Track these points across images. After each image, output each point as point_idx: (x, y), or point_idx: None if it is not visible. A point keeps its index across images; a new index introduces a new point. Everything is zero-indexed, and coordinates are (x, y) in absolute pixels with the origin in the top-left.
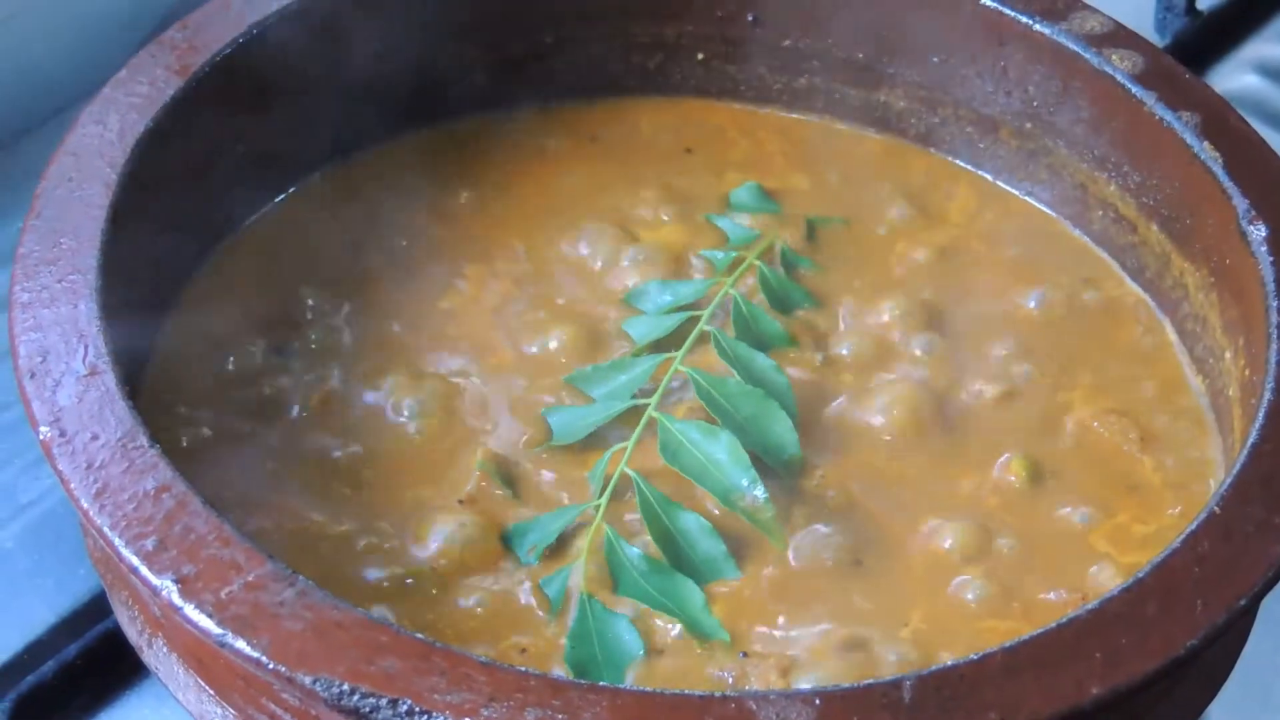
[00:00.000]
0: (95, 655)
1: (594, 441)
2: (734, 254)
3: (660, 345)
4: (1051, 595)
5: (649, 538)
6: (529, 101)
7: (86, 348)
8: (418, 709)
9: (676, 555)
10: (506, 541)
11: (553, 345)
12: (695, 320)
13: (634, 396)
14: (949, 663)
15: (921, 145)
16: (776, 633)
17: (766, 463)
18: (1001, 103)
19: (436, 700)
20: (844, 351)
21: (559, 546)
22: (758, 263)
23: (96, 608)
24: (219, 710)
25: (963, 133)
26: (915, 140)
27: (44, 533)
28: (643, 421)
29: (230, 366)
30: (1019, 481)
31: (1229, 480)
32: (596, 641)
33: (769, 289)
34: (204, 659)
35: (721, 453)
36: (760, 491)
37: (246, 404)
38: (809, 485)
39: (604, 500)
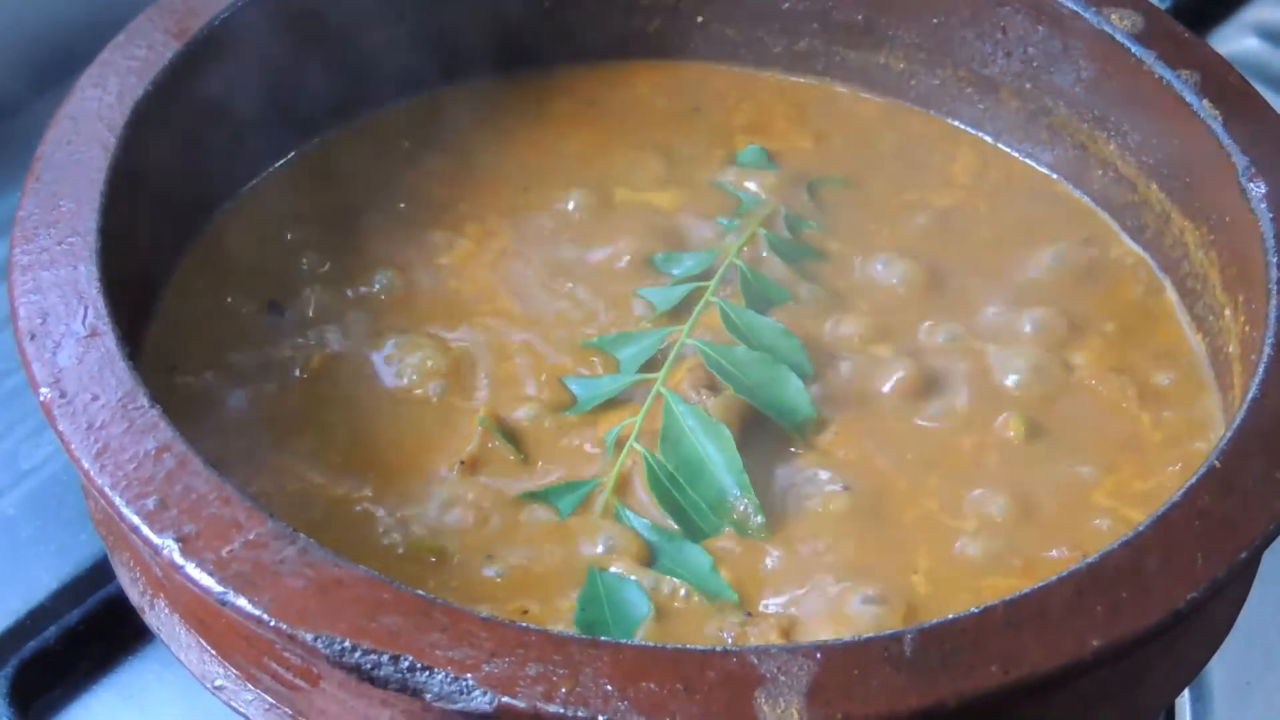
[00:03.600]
0: (97, 621)
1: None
2: (737, 221)
3: (673, 314)
4: (1053, 552)
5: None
6: (528, 66)
7: (86, 309)
8: (419, 665)
9: (687, 524)
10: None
11: (550, 305)
12: (705, 289)
13: (647, 364)
14: (950, 616)
15: (922, 107)
16: (778, 592)
17: (781, 425)
18: (1001, 63)
19: (438, 656)
20: (850, 313)
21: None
22: (762, 230)
23: (98, 573)
24: (221, 670)
25: (963, 94)
26: (915, 102)
27: (46, 499)
28: (651, 393)
29: (230, 328)
30: (1018, 439)
31: (1229, 435)
32: (606, 604)
33: (779, 251)
34: (206, 618)
35: (717, 454)
36: (751, 499)
37: (246, 365)
38: (821, 442)
39: (614, 475)
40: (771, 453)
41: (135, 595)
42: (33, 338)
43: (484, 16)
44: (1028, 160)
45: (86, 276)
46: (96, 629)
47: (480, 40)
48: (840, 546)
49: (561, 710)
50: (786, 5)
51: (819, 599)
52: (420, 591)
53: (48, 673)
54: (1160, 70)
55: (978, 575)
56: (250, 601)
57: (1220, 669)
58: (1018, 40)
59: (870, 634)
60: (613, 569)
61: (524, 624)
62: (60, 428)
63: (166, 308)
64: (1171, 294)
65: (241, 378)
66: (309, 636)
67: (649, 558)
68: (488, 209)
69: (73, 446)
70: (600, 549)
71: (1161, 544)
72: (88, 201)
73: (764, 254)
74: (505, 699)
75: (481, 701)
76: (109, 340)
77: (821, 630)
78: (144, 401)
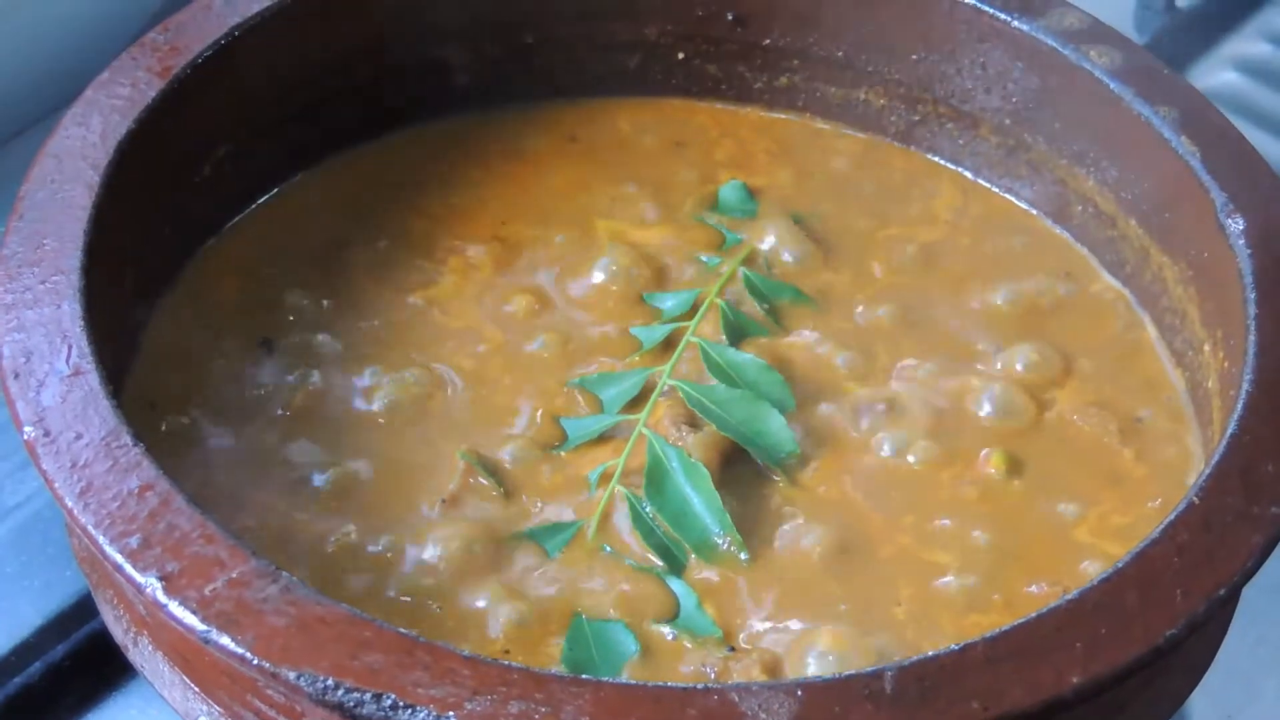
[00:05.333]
0: (82, 657)
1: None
2: (719, 258)
3: (658, 351)
4: (1034, 588)
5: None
6: (509, 102)
7: (70, 348)
8: (401, 703)
9: (672, 561)
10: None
11: (532, 341)
12: (686, 328)
13: (630, 403)
14: (930, 653)
15: (902, 143)
16: (761, 628)
17: (766, 462)
18: (981, 100)
19: (420, 694)
20: (831, 349)
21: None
22: (742, 269)
23: (83, 609)
24: (205, 708)
25: (942, 130)
26: (895, 138)
27: (30, 535)
28: (634, 433)
29: (213, 365)
30: (999, 475)
31: (1208, 471)
32: (593, 644)
33: (756, 293)
34: (189, 656)
35: (697, 496)
36: (734, 538)
37: (230, 402)
38: (803, 478)
39: (597, 515)
40: (754, 487)
41: (119, 633)
42: (16, 376)
43: (465, 52)
44: (1007, 196)
45: (70, 315)
46: (80, 666)
47: (461, 76)
48: (823, 581)
49: None
50: (767, 41)
51: (802, 634)
52: (403, 630)
53: (32, 709)
54: (1139, 106)
55: (958, 611)
56: (233, 640)
57: (1201, 704)
58: (997, 76)
59: (851, 671)
60: (598, 608)
61: (506, 662)
62: (44, 466)
63: (150, 346)
64: (1151, 329)
65: (225, 415)
66: (292, 674)
67: (635, 597)
68: (470, 244)
69: (56, 485)
70: (585, 587)
71: (1141, 580)
72: (71, 240)
73: (745, 291)
74: None
75: None
76: (92, 379)
77: (804, 665)
78: (127, 440)
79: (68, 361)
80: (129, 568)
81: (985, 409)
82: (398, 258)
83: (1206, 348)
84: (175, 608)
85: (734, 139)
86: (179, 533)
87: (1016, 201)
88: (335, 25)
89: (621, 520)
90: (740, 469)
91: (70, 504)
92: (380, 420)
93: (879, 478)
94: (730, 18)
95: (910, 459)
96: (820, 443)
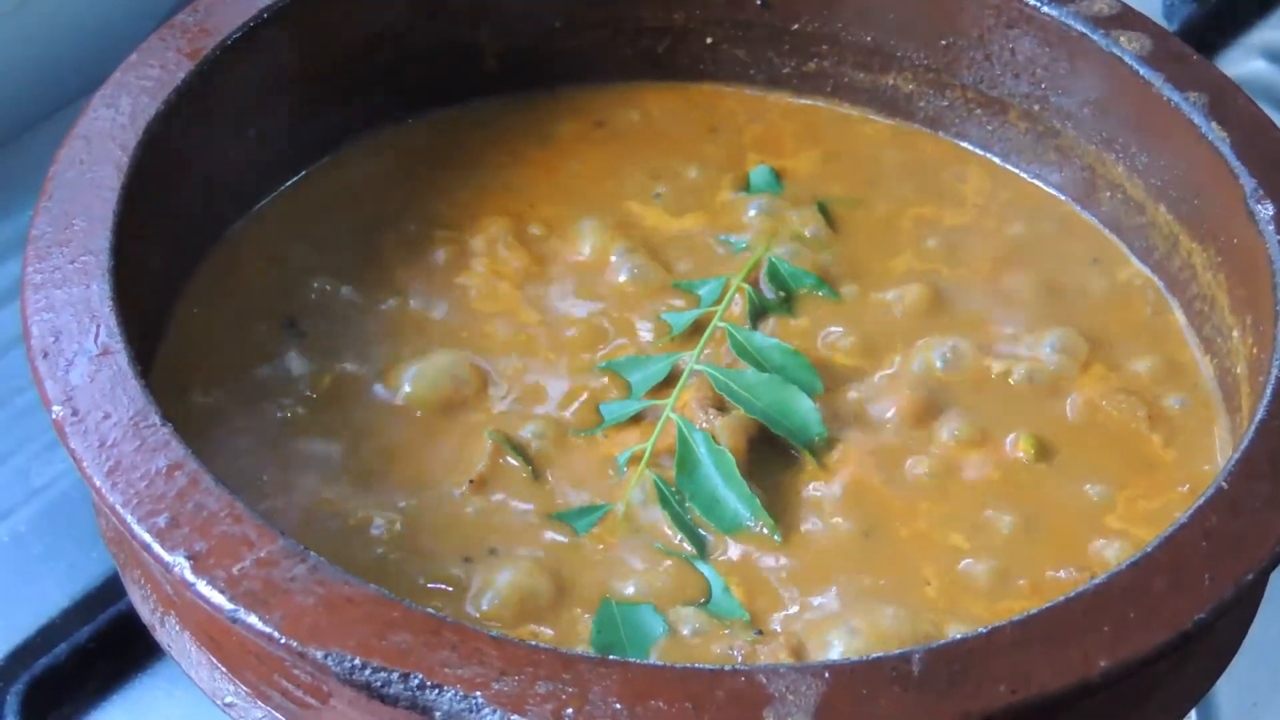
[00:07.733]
0: (108, 638)
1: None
2: (747, 244)
3: (686, 336)
4: (1061, 573)
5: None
6: (537, 87)
7: (99, 327)
8: (429, 683)
9: (701, 545)
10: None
11: (560, 325)
12: (714, 313)
13: (658, 386)
14: (958, 636)
15: (930, 128)
16: (788, 611)
17: (793, 444)
18: (1010, 85)
19: (447, 674)
20: (857, 333)
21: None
22: (770, 254)
23: (109, 591)
24: (231, 687)
25: (971, 115)
26: (924, 123)
27: (57, 516)
28: (662, 418)
29: (241, 346)
30: (1027, 459)
31: (1236, 456)
32: (621, 627)
33: (778, 280)
34: (216, 636)
35: (725, 482)
36: (767, 521)
37: (258, 383)
38: (830, 461)
39: (626, 498)
40: (782, 470)
41: (146, 612)
42: (45, 356)
43: (494, 37)
44: (1035, 181)
45: (99, 295)
46: (107, 646)
47: (489, 60)
48: (850, 565)
49: None
50: (796, 26)
51: (829, 617)
52: (430, 610)
53: (58, 690)
54: (1168, 92)
55: (985, 595)
56: (261, 619)
57: (1227, 690)
58: (1026, 62)
59: (879, 654)
60: (627, 590)
61: (533, 642)
62: (72, 445)
63: (178, 326)
64: (1179, 315)
65: (253, 396)
66: (319, 654)
67: (663, 579)
68: (497, 229)
69: (84, 464)
70: (613, 569)
71: (1169, 565)
72: (100, 220)
73: (773, 275)
74: (515, 717)
75: None
76: (121, 359)
77: (831, 649)
78: (155, 419)
79: (96, 341)
80: (157, 547)
81: (1013, 394)
82: (426, 241)
83: (1235, 334)
84: (203, 587)
85: (762, 124)
86: (207, 512)
87: (1045, 187)
88: (364, 8)
89: (650, 503)
90: (767, 452)
91: (98, 483)
92: (408, 401)
93: (905, 461)
94: (758, 2)
95: (937, 443)
96: (847, 426)
